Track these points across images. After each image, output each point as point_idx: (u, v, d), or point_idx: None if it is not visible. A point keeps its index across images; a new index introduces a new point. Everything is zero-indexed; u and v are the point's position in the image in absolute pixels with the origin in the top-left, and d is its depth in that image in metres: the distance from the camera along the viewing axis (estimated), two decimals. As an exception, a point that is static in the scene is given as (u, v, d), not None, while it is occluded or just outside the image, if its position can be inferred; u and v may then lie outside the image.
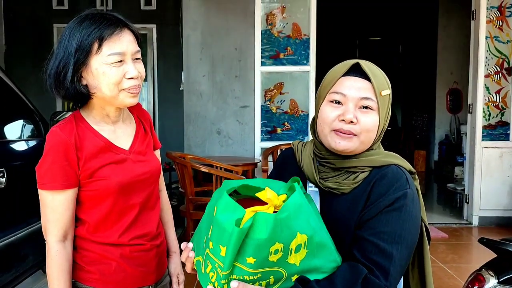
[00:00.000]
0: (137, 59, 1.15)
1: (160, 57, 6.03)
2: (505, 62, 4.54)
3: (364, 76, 1.03)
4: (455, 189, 6.39)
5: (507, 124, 4.60)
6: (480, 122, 4.58)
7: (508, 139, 4.60)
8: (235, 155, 4.47)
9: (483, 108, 4.58)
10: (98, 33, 1.09)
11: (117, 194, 1.16)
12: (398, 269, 0.95)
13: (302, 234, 0.84)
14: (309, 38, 4.45)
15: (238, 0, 4.40)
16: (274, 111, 4.53)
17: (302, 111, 4.53)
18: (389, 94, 1.05)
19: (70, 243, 1.16)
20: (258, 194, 0.89)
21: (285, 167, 1.19)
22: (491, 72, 4.55)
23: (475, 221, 4.62)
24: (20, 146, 2.31)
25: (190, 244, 0.95)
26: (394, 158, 1.07)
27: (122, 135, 1.23)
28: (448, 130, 7.74)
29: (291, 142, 1.24)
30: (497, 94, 4.58)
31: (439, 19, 7.54)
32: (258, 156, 4.45)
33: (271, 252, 0.81)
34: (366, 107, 1.02)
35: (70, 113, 1.22)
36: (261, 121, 4.50)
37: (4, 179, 1.97)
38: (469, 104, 4.72)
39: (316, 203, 1.05)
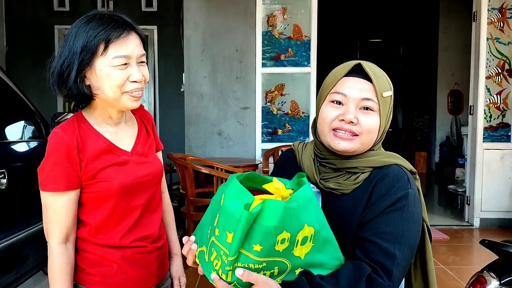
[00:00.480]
0: (141, 62, 1.15)
1: (161, 58, 6.04)
2: (506, 63, 4.53)
3: (366, 77, 1.03)
4: (456, 191, 6.39)
5: (508, 125, 4.60)
6: (481, 123, 4.57)
7: (509, 141, 4.59)
8: (236, 156, 4.47)
9: (484, 110, 4.57)
10: (105, 35, 1.08)
11: (119, 196, 1.15)
12: (400, 269, 0.95)
13: (310, 226, 0.84)
14: (310, 40, 4.45)
15: (239, 1, 4.40)
16: (275, 112, 4.53)
17: (303, 113, 4.53)
18: (391, 95, 1.05)
19: (72, 245, 1.15)
20: (266, 186, 0.89)
21: (286, 168, 1.19)
22: (492, 73, 4.54)
23: (476, 223, 4.61)
24: (21, 147, 2.31)
25: (192, 237, 0.95)
26: (395, 158, 1.07)
27: (124, 137, 1.23)
28: (449, 132, 7.73)
29: (291, 143, 1.24)
30: (498, 96, 4.57)
31: (440, 21, 7.54)
32: (259, 157, 4.45)
33: (278, 241, 0.80)
34: (367, 108, 1.02)
35: (71, 114, 1.22)
36: (262, 122, 4.50)
37: (4, 180, 1.97)
38: (470, 106, 4.72)
39: (318, 203, 1.05)
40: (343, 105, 1.03)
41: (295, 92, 4.52)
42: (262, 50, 4.44)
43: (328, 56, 6.45)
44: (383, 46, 9.59)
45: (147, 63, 1.18)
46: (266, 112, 4.52)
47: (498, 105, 4.58)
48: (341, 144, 1.02)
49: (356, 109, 1.02)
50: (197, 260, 0.92)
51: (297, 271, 0.88)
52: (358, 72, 1.04)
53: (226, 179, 3.31)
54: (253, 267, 0.82)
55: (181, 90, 4.92)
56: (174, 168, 4.18)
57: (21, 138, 2.34)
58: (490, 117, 4.59)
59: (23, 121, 2.41)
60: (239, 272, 0.81)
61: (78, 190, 1.14)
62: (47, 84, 1.15)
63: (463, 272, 3.31)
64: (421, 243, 1.05)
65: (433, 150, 8.16)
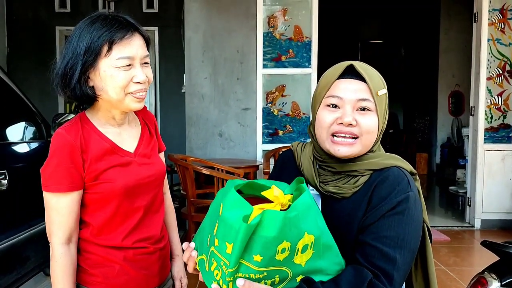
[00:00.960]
0: (145, 63, 1.15)
1: (161, 59, 6.04)
2: (507, 64, 4.53)
3: (359, 77, 1.01)
4: (457, 192, 6.38)
5: (510, 126, 4.59)
6: (482, 124, 4.57)
7: (510, 142, 4.59)
8: (237, 157, 4.47)
9: (485, 111, 4.57)
10: (109, 36, 1.07)
11: (121, 197, 1.15)
12: (401, 273, 0.95)
13: (310, 234, 0.84)
14: (310, 41, 4.45)
15: (239, 2, 4.40)
16: (275, 113, 4.53)
17: (303, 114, 4.53)
18: (386, 93, 1.04)
19: (74, 245, 1.15)
20: (264, 193, 0.88)
21: (285, 169, 1.18)
22: (493, 74, 4.54)
23: (478, 224, 4.60)
24: (22, 148, 2.31)
25: (192, 244, 0.94)
26: (395, 160, 1.06)
27: (128, 138, 1.23)
28: (450, 133, 7.73)
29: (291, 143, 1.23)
30: (499, 97, 4.57)
31: (440, 22, 7.54)
32: (260, 158, 4.45)
33: (278, 250, 0.80)
34: (364, 109, 1.01)
35: (72, 115, 1.22)
36: (262, 123, 4.50)
37: (6, 181, 1.97)
38: (471, 107, 4.71)
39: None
40: (339, 108, 1.02)
41: (296, 93, 4.52)
42: (263, 51, 4.45)
43: (329, 57, 6.44)
44: (384, 47, 9.58)
45: (148, 64, 1.18)
46: (267, 113, 4.52)
47: (499, 106, 4.58)
48: (342, 150, 1.01)
49: (354, 110, 1.01)
50: (197, 268, 0.92)
51: (298, 278, 0.88)
52: (350, 73, 1.02)
53: (226, 180, 3.31)
54: (254, 277, 0.82)
55: (182, 91, 4.92)
56: (175, 169, 4.18)
57: (22, 139, 2.35)
58: (491, 118, 4.59)
59: (24, 122, 2.42)
60: (240, 282, 0.81)
61: (81, 191, 1.14)
62: (50, 85, 1.15)
63: (464, 273, 3.31)
64: (421, 244, 1.04)
65: (434, 151, 8.16)
